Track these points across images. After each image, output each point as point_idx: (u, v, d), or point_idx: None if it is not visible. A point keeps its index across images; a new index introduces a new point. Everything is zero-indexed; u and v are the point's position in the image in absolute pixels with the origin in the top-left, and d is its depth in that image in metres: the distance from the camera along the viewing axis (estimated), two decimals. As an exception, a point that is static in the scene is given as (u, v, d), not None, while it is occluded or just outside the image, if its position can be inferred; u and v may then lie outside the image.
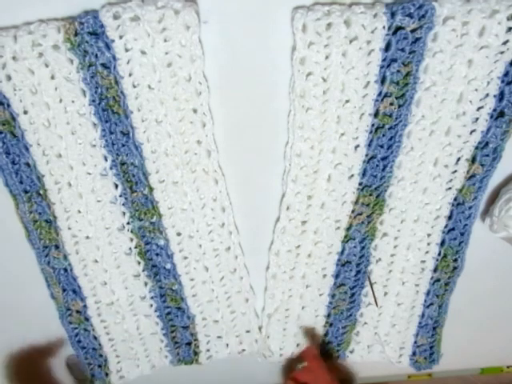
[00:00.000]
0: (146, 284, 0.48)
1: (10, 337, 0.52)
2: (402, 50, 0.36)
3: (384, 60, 0.37)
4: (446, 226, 0.45)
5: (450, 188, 0.43)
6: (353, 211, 0.44)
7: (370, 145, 0.41)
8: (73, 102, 0.38)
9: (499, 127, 0.40)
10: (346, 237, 0.46)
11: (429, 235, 0.46)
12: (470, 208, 0.44)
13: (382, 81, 0.38)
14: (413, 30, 0.36)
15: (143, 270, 0.47)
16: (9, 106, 0.38)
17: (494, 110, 0.39)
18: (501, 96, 0.39)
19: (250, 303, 0.50)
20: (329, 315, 0.51)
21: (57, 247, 0.45)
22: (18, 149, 0.40)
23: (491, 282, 0.51)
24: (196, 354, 0.52)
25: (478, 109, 0.39)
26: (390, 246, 0.47)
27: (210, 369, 0.54)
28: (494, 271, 0.51)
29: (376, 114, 0.39)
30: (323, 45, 0.36)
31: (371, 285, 0.48)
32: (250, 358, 0.53)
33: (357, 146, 0.41)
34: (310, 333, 0.52)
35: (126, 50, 0.36)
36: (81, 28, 0.35)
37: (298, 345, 0.52)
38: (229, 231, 0.46)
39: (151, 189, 0.43)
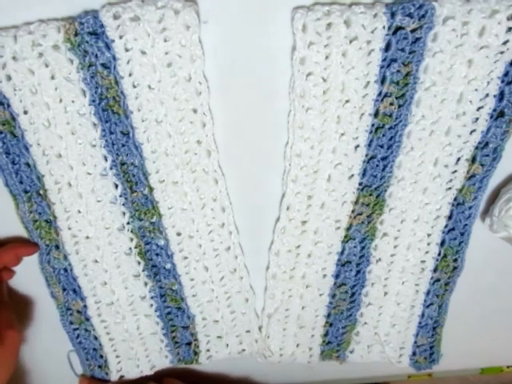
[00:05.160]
0: (146, 284, 0.48)
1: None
2: (402, 49, 0.36)
3: (384, 60, 0.37)
4: (446, 226, 0.45)
5: (450, 188, 0.43)
6: (353, 211, 0.44)
7: (370, 145, 0.41)
8: (73, 102, 0.38)
9: (499, 127, 0.40)
10: (346, 237, 0.46)
11: (429, 235, 0.46)
12: (470, 208, 0.44)
13: (382, 81, 0.38)
14: (413, 30, 0.35)
15: (143, 270, 0.47)
16: (9, 106, 0.38)
17: (494, 110, 0.39)
18: (501, 96, 0.39)
19: (250, 303, 0.50)
20: (329, 315, 0.50)
21: (57, 247, 0.45)
22: (18, 149, 0.40)
23: (491, 281, 0.51)
24: (196, 353, 0.52)
25: (478, 109, 0.39)
26: (390, 246, 0.46)
27: (210, 369, 0.54)
28: (494, 271, 0.51)
29: (376, 114, 0.39)
30: (323, 45, 0.36)
31: None
32: (250, 358, 0.53)
33: (357, 146, 0.41)
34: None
35: (126, 50, 0.36)
36: (81, 28, 0.35)
37: (297, 345, 0.52)
38: (229, 231, 0.46)
39: (151, 189, 0.43)
